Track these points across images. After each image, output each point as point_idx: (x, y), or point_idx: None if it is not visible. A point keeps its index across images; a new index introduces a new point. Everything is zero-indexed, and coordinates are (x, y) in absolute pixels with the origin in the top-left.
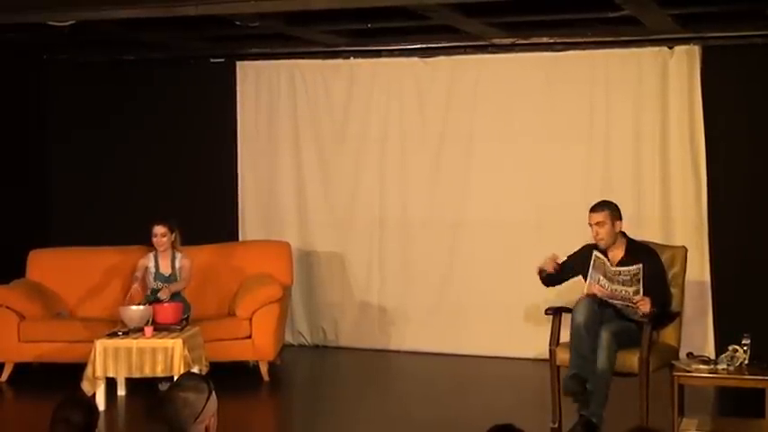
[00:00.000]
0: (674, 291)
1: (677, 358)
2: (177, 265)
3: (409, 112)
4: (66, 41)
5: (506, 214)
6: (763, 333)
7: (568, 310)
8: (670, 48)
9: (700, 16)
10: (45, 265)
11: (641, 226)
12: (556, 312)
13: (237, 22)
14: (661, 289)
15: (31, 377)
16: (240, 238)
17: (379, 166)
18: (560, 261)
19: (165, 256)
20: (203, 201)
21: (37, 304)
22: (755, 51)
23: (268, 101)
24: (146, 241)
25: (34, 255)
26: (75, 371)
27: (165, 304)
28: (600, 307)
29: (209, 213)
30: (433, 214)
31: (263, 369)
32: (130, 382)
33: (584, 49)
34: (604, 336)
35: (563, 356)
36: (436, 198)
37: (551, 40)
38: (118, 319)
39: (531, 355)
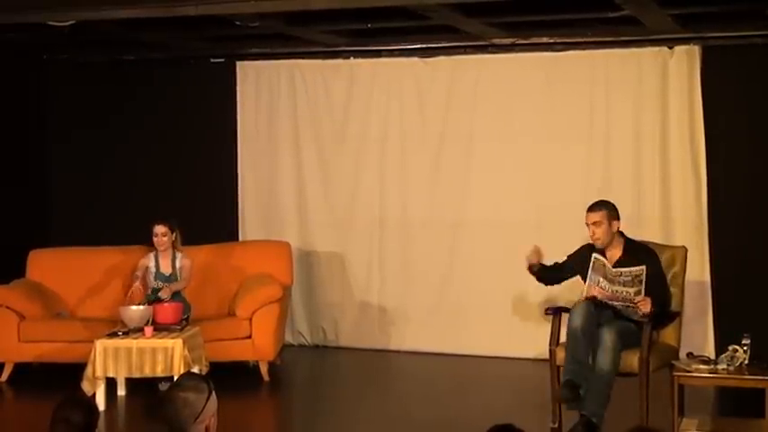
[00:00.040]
0: (674, 291)
1: (677, 358)
2: (178, 264)
3: (409, 112)
4: (67, 41)
5: (506, 214)
6: (763, 333)
7: (568, 310)
8: (670, 48)
9: (700, 16)
10: (45, 265)
11: (641, 226)
12: (556, 312)
13: (237, 22)
14: (661, 289)
15: (31, 377)
16: (240, 238)
17: (379, 166)
18: (543, 255)
19: (165, 256)
20: (203, 201)
21: (37, 304)
22: (755, 51)
23: (268, 101)
24: (146, 241)
25: (34, 255)
26: (75, 371)
27: (165, 304)
28: (598, 309)
29: (209, 213)
30: (433, 214)
31: (263, 369)
32: (130, 382)
33: (584, 49)
34: (608, 337)
35: (563, 356)
36: (436, 198)
37: (551, 40)
38: (118, 319)
39: (531, 355)
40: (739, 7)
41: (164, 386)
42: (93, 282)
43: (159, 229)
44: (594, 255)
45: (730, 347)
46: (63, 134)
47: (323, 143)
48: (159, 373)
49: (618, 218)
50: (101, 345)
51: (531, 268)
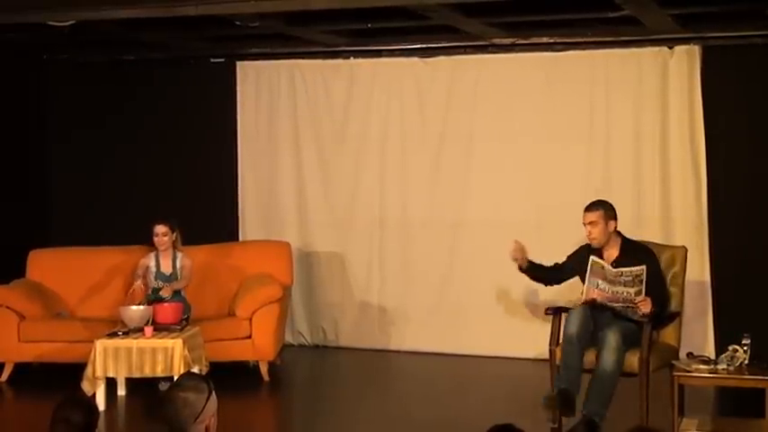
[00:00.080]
0: (674, 291)
1: (677, 358)
2: (178, 264)
3: (409, 112)
4: (67, 41)
5: (506, 214)
6: (763, 333)
7: (568, 310)
8: (670, 48)
9: (700, 16)
10: (45, 265)
11: (641, 226)
12: (556, 312)
13: (237, 22)
14: (660, 288)
15: (31, 377)
16: (240, 238)
17: (379, 166)
18: (527, 250)
19: (166, 256)
20: (203, 201)
21: (37, 304)
22: (755, 51)
23: (268, 101)
24: (146, 241)
25: (34, 255)
26: (75, 371)
27: (166, 304)
28: (596, 312)
29: (209, 213)
30: (433, 214)
31: (263, 369)
32: (130, 382)
33: (584, 49)
34: (612, 337)
35: None
36: (436, 198)
37: (551, 40)
38: (118, 319)
39: (531, 355)
40: (739, 7)
41: (164, 386)
42: (93, 282)
43: (160, 228)
44: (592, 258)
45: (730, 347)
46: (63, 134)
47: (323, 143)
48: (159, 373)
49: (615, 218)
50: (101, 345)
51: (520, 268)
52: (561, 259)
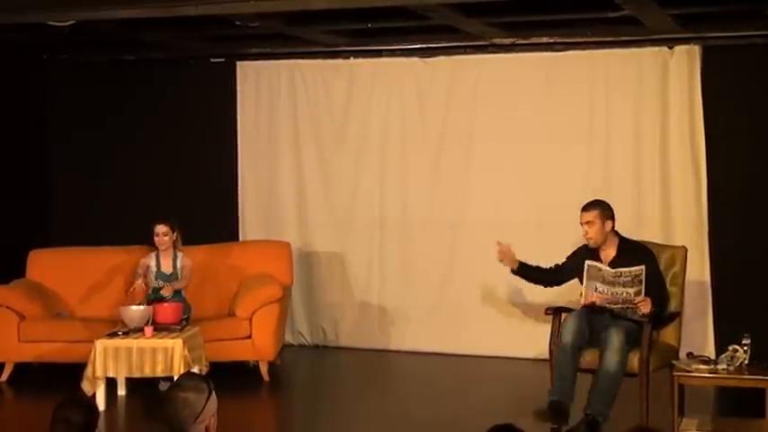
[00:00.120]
0: (674, 291)
1: (677, 358)
2: (179, 264)
3: (409, 112)
4: (67, 41)
5: (506, 214)
6: (763, 333)
7: (568, 309)
8: (670, 48)
9: (700, 16)
10: (45, 265)
11: (641, 226)
12: (556, 312)
13: (237, 22)
14: (660, 288)
15: (31, 377)
16: (240, 238)
17: (379, 166)
18: (512, 251)
19: (166, 256)
20: (203, 201)
21: (37, 304)
22: (755, 51)
23: (268, 101)
24: (146, 241)
25: (34, 255)
26: (75, 371)
27: (165, 304)
28: (594, 315)
29: (210, 213)
30: (433, 214)
31: (263, 369)
32: (130, 382)
33: (584, 49)
34: (616, 337)
35: None
36: (436, 198)
37: (551, 40)
38: (118, 319)
39: (531, 355)
40: (739, 7)
41: (164, 386)
42: (93, 282)
43: (160, 228)
44: (587, 262)
45: (730, 347)
46: (63, 134)
47: (323, 143)
48: (159, 373)
49: (611, 217)
50: (101, 345)
51: (512, 270)
52: (561, 260)
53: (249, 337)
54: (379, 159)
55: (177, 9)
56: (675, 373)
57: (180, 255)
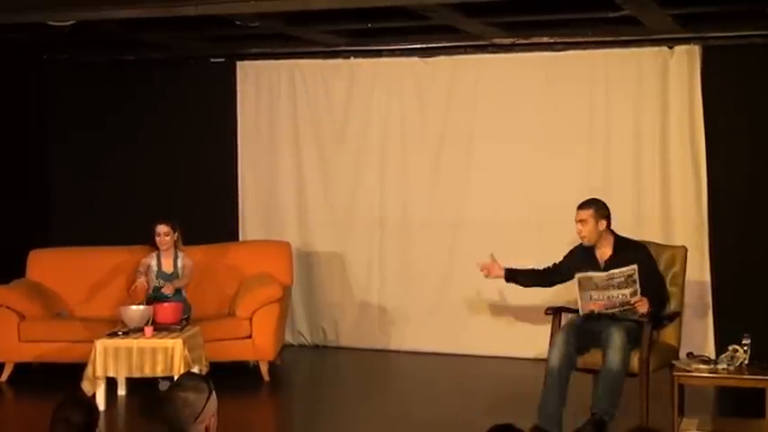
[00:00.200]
0: (674, 291)
1: (677, 358)
2: (180, 264)
3: (409, 112)
4: (67, 41)
5: (506, 214)
6: (763, 333)
7: (568, 310)
8: (670, 48)
9: (700, 16)
10: (45, 265)
11: (641, 226)
12: (556, 312)
13: (237, 22)
14: (657, 285)
15: (31, 377)
16: (240, 238)
17: (379, 166)
18: (496, 264)
19: (167, 255)
20: (203, 201)
21: (37, 304)
22: (755, 51)
23: (268, 101)
24: (146, 241)
25: (34, 255)
26: (75, 371)
27: (166, 304)
28: (589, 322)
29: (210, 213)
30: (433, 214)
31: (263, 369)
32: (130, 382)
33: (584, 49)
34: (617, 337)
35: None
36: (436, 198)
37: (551, 40)
38: (118, 318)
39: (530, 355)
40: (739, 7)
41: (164, 386)
42: (93, 282)
43: (162, 228)
44: (577, 275)
45: (730, 347)
46: (63, 134)
47: (323, 143)
48: (159, 373)
49: (606, 217)
50: (101, 345)
51: (505, 279)
52: (560, 260)
53: (249, 336)
54: (379, 159)
55: (177, 9)
56: (675, 373)
57: (181, 255)
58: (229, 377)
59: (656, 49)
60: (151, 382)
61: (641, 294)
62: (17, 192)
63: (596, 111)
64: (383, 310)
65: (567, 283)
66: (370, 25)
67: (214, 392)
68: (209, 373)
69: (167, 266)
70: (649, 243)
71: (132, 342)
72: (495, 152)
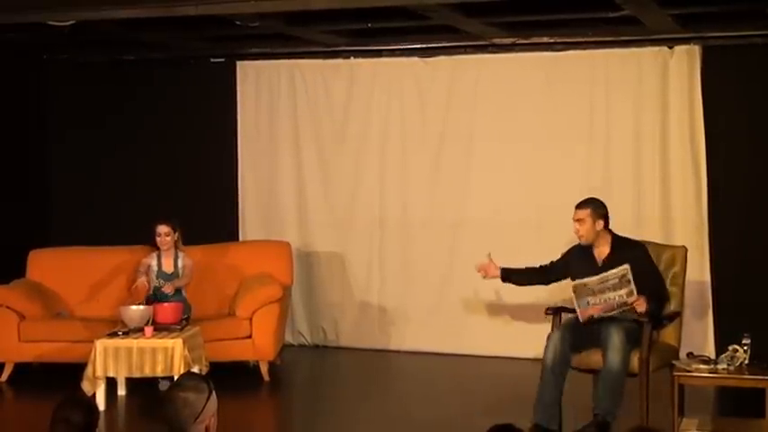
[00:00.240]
0: (674, 291)
1: (677, 358)
2: (180, 264)
3: (409, 112)
4: (67, 41)
5: (506, 214)
6: (763, 333)
7: (568, 309)
8: (670, 48)
9: (700, 16)
10: (45, 265)
11: (641, 226)
12: (556, 312)
13: (237, 22)
14: (654, 283)
15: (31, 377)
16: (240, 238)
17: (379, 166)
18: (492, 263)
19: (168, 255)
20: (203, 201)
21: (37, 304)
22: (755, 51)
23: (268, 101)
24: (146, 241)
25: (34, 255)
26: (75, 371)
27: (165, 304)
28: (592, 324)
29: (210, 213)
30: (433, 214)
31: (263, 369)
32: (130, 382)
33: (584, 49)
34: (615, 337)
35: None
36: (436, 198)
37: (551, 40)
38: (118, 318)
39: (530, 355)
40: (739, 7)
41: (164, 386)
42: (93, 282)
43: (162, 228)
44: (571, 284)
45: (730, 347)
46: (63, 134)
47: (323, 143)
48: (159, 372)
49: (603, 216)
50: (101, 345)
51: (501, 279)
52: (557, 258)
53: (249, 336)
54: (379, 159)
55: (177, 9)
56: (675, 373)
57: (181, 255)
58: (229, 377)
59: (656, 49)
60: (151, 382)
61: (639, 293)
62: (17, 192)
63: (596, 111)
64: (383, 310)
65: (563, 281)
66: (370, 25)
67: (214, 392)
68: (209, 373)
69: (168, 266)
70: (649, 243)
71: (132, 342)
72: (495, 152)
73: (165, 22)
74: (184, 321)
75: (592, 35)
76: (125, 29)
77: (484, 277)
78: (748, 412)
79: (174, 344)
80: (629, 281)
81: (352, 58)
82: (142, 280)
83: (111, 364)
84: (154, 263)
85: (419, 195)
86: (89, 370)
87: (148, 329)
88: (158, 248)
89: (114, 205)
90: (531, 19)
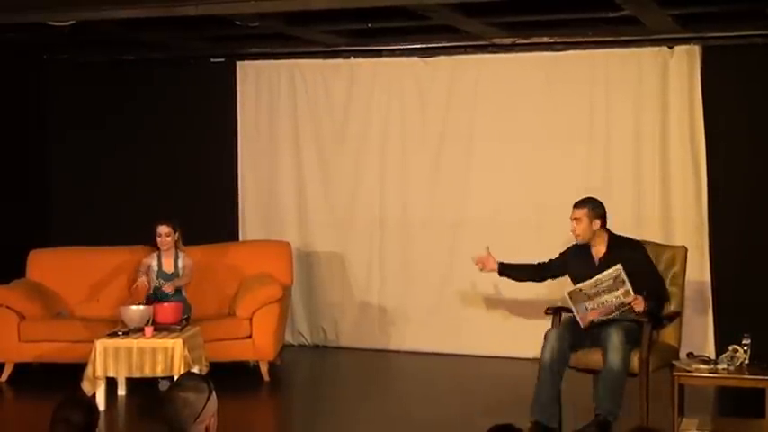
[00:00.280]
0: (674, 291)
1: (677, 358)
2: (180, 264)
3: (409, 112)
4: (67, 41)
5: (506, 214)
6: (763, 333)
7: (568, 309)
8: (670, 48)
9: (700, 16)
10: (45, 265)
11: (641, 226)
12: (556, 312)
13: (237, 22)
14: (651, 281)
15: (31, 377)
16: (240, 238)
17: (379, 166)
18: (491, 256)
19: (168, 256)
20: (203, 201)
21: (37, 304)
22: (755, 51)
23: (268, 101)
24: (146, 241)
25: (34, 255)
26: (75, 371)
27: (165, 304)
28: (593, 327)
29: (210, 213)
30: (433, 214)
31: (263, 369)
32: (130, 382)
33: (584, 49)
34: (615, 337)
35: None
36: (436, 198)
37: (551, 40)
38: (118, 318)
39: (531, 355)
40: (739, 7)
41: (164, 386)
42: (93, 282)
43: (162, 229)
44: (566, 291)
45: (730, 347)
46: (63, 134)
47: (323, 143)
48: (159, 372)
49: (600, 216)
50: (101, 345)
51: (498, 273)
52: (555, 256)
53: (249, 336)
54: (379, 159)
55: (177, 9)
56: (675, 373)
57: (181, 255)
58: (229, 377)
59: (656, 49)
60: (151, 382)
61: (636, 292)
62: (17, 192)
63: (596, 111)
64: (383, 310)
65: (560, 278)
66: (370, 25)
67: (214, 392)
68: (209, 373)
69: (168, 266)
70: (649, 243)
71: (132, 342)
72: (495, 152)
73: (165, 22)
74: (184, 321)
75: (592, 35)
76: (125, 29)
77: (481, 270)
78: (748, 412)
79: (174, 344)
80: (623, 281)
81: (352, 58)
82: (142, 280)
83: (111, 364)
84: (154, 263)
85: (419, 195)
86: (89, 370)
87: (148, 329)
88: (158, 248)
89: (114, 205)
90: (531, 19)
